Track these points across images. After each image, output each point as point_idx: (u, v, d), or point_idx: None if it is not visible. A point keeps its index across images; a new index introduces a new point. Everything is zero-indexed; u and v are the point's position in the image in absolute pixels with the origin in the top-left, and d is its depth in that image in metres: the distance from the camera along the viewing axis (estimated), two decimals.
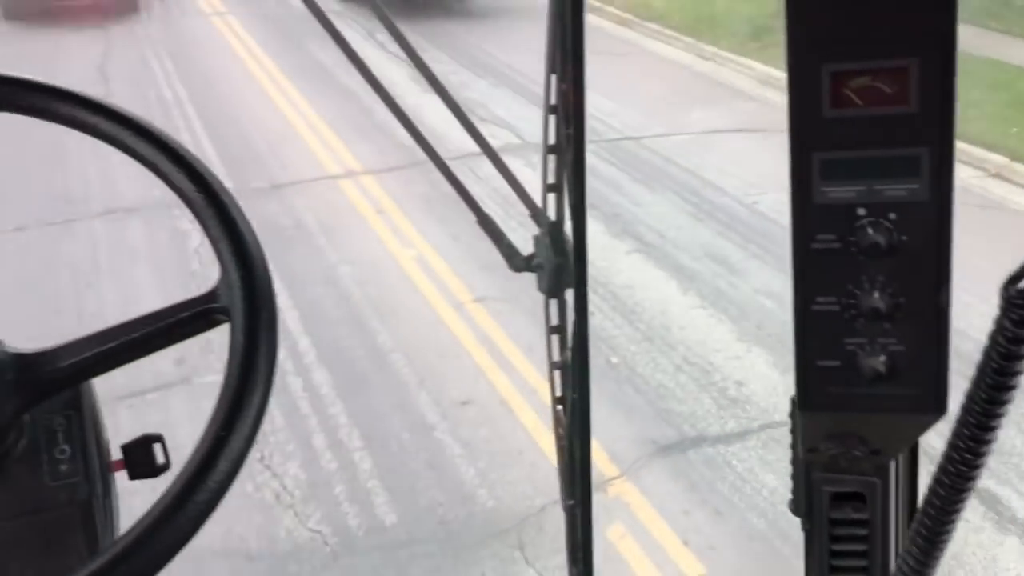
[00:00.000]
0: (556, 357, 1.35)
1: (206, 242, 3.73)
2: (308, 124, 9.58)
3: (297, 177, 8.24)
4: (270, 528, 4.37)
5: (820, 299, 0.84)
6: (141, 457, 0.93)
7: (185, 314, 0.85)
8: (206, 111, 9.82)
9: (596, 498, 4.61)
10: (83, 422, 0.90)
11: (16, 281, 6.51)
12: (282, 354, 5.34)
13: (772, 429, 5.25)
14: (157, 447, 0.93)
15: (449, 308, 6.27)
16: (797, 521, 4.20)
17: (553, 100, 1.19)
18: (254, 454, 4.75)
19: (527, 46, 12.86)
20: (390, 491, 4.67)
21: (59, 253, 6.90)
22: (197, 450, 0.79)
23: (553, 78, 1.17)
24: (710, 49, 12.86)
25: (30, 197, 7.52)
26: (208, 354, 5.70)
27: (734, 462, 4.97)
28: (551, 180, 1.24)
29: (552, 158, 1.24)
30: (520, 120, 9.44)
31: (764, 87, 11.55)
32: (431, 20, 12.49)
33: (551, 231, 1.25)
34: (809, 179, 0.82)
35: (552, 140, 1.22)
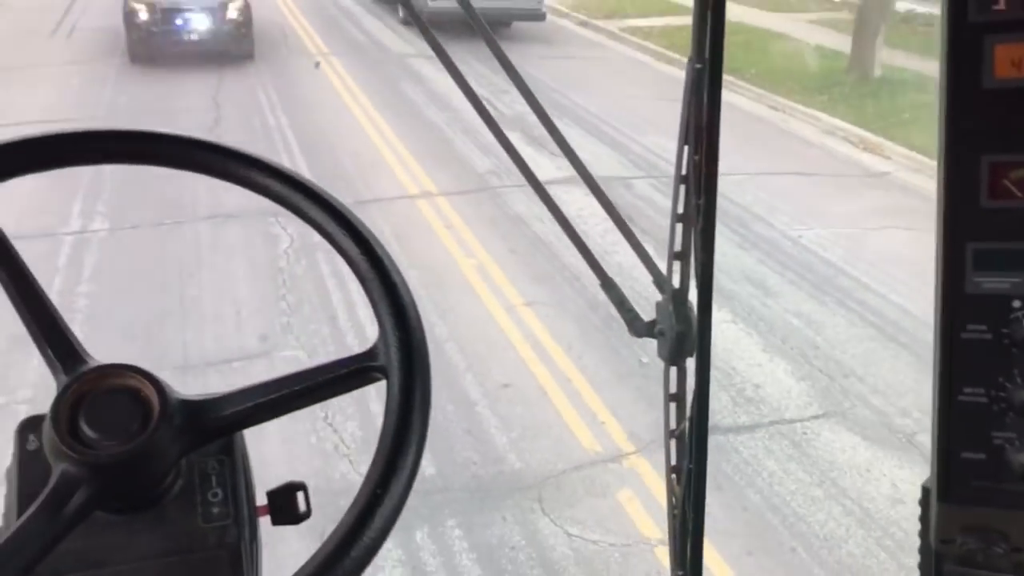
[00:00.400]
0: (673, 425, 1.34)
1: (295, 244, 4.80)
2: (393, 151, 10.50)
3: (379, 195, 9.11)
4: (327, 471, 5.11)
5: (967, 390, 0.83)
6: (284, 504, 0.95)
7: (344, 370, 0.88)
8: (304, 136, 10.83)
9: (610, 468, 5.28)
10: (235, 467, 0.92)
11: (129, 269, 7.48)
12: (350, 336, 6.11)
13: (780, 425, 5.79)
14: (300, 495, 0.95)
15: (501, 309, 6.99)
16: (788, 496, 5.18)
17: (684, 170, 1.20)
18: (318, 412, 5.54)
19: (574, 74, 13.73)
20: (431, 450, 5.35)
21: (167, 249, 7.87)
22: (353, 506, 0.82)
23: (685, 148, 1.19)
24: (781, 100, 13.45)
25: (145, 202, 8.54)
26: (287, 334, 6.55)
27: (740, 449, 5.53)
28: (677, 248, 1.25)
29: (679, 227, 1.24)
30: (589, 155, 10.18)
31: (826, 136, 12.09)
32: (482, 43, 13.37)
33: (675, 299, 1.26)
34: (962, 268, 0.82)
35: (681, 209, 1.23)
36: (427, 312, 6.86)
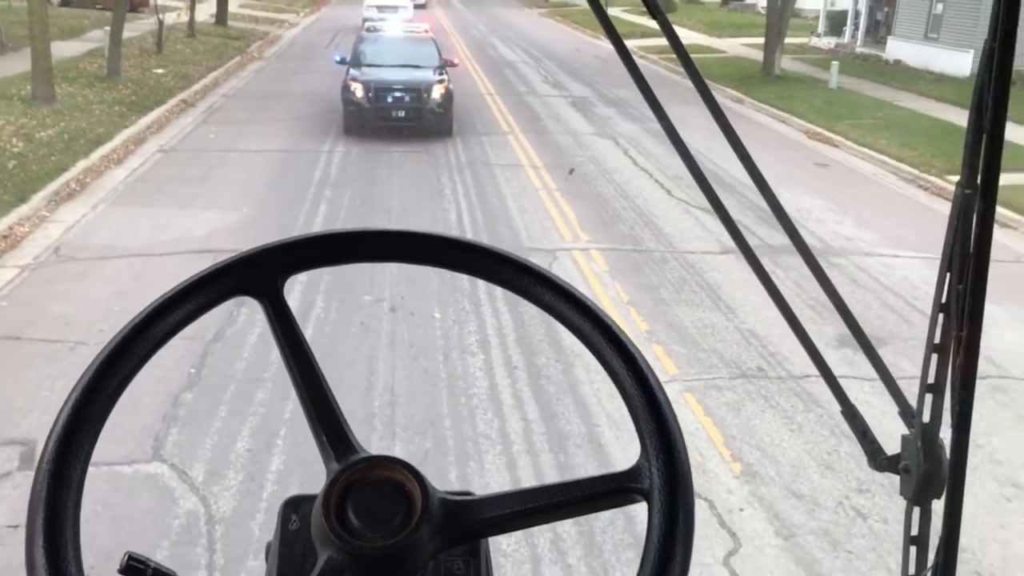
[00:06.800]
0: (912, 570, 1.20)
1: (440, 159, 14.10)
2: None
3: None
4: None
5: None
6: None
7: (603, 488, 0.84)
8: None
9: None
10: (479, 569, 0.89)
11: (363, 163, 13.23)
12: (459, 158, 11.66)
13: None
14: None
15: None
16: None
17: (944, 298, 1.09)
18: None
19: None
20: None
21: (375, 162, 12.53)
22: None
23: (948, 276, 1.08)
24: (714, 85, 20.61)
25: (370, 141, 14.51)
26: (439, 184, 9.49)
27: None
28: (931, 380, 1.15)
29: (934, 357, 1.14)
30: None
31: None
32: None
33: (924, 434, 1.14)
34: None
35: (937, 339, 1.12)
36: (511, 212, 9.67)
